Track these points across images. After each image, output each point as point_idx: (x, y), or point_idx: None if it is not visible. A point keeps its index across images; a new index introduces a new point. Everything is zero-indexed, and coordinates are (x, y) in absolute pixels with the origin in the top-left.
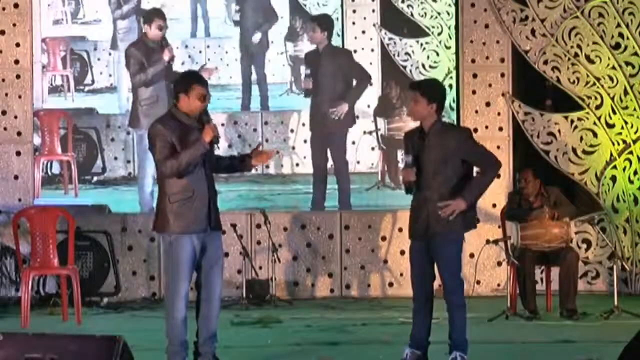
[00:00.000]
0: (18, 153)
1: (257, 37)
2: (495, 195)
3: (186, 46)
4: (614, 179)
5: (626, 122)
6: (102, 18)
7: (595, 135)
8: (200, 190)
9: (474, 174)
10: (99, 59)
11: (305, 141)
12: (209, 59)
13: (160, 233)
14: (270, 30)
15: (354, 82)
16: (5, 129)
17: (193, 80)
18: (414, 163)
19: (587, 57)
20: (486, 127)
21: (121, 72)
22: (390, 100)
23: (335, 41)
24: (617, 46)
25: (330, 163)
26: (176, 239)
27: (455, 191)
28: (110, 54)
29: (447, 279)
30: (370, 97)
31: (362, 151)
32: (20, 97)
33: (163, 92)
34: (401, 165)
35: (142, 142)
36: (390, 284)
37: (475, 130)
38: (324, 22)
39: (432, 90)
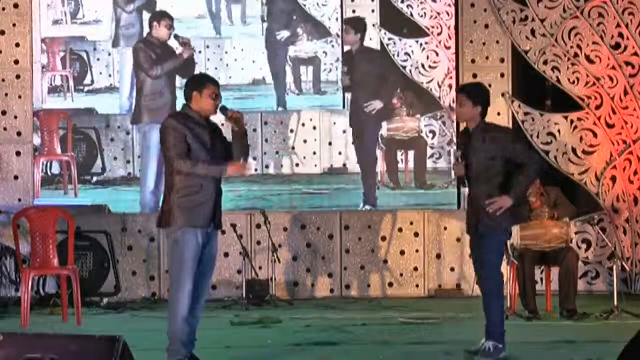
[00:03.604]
0: (18, 153)
1: (284, 34)
2: None
3: None
4: (614, 179)
5: (626, 122)
6: (102, 18)
7: (595, 135)
8: (207, 186)
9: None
10: (98, 59)
11: (305, 141)
12: (208, 59)
13: (165, 228)
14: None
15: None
16: (5, 129)
17: (206, 79)
18: (463, 158)
19: (587, 57)
20: None
21: (123, 71)
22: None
23: (336, 41)
24: (617, 46)
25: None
26: (182, 234)
27: (502, 187)
28: (109, 54)
29: (484, 267)
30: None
31: None
32: (20, 97)
33: (166, 87)
34: (401, 165)
35: (145, 139)
36: (390, 284)
37: None
38: (357, 25)
39: (476, 93)
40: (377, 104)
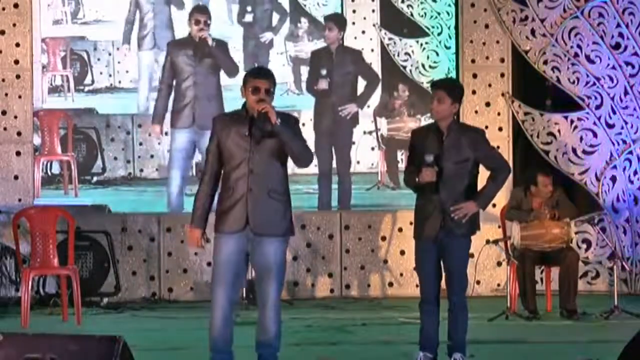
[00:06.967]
0: (18, 153)
1: (269, 36)
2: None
3: None
4: (614, 179)
5: (626, 122)
6: (102, 18)
7: (595, 135)
8: (239, 188)
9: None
10: (99, 59)
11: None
12: None
13: None
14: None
15: (364, 83)
16: (5, 129)
17: (249, 74)
18: (435, 162)
19: (587, 57)
20: (486, 127)
21: (141, 72)
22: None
23: None
24: (617, 46)
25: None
26: (216, 239)
27: (465, 193)
28: (110, 53)
29: (457, 279)
30: (370, 97)
31: (362, 151)
32: (20, 97)
33: (200, 89)
34: (402, 165)
35: (173, 141)
36: (390, 284)
37: None
38: (339, 22)
39: (456, 90)
40: (352, 108)
